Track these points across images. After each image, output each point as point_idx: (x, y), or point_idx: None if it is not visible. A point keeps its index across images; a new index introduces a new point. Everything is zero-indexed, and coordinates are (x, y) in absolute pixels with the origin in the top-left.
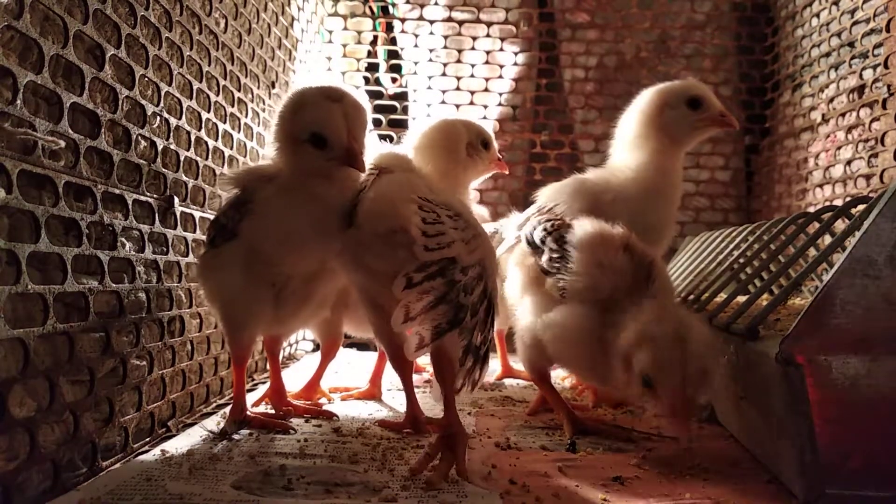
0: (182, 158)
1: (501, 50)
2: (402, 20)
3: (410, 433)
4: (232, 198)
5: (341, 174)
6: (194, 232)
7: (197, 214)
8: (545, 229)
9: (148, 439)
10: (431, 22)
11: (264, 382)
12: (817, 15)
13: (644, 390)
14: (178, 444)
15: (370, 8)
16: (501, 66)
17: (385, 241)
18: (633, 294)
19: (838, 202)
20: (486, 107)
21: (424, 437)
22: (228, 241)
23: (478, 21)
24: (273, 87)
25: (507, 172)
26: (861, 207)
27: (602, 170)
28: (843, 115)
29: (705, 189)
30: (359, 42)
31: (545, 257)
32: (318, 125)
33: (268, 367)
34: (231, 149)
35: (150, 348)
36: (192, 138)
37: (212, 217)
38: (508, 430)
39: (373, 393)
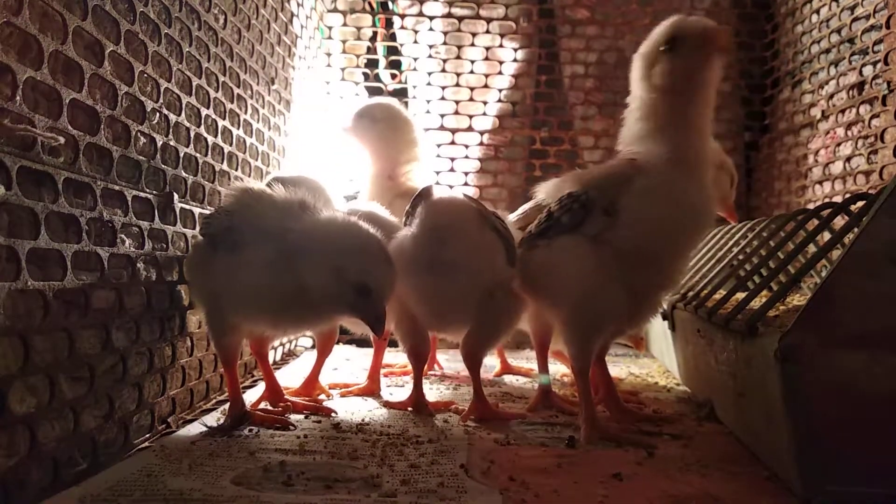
0: (181, 155)
1: (501, 46)
2: (402, 16)
3: (409, 430)
4: (224, 212)
5: None
6: (194, 228)
7: (196, 211)
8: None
9: (148, 435)
10: (431, 18)
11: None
12: (817, 11)
13: None
14: (178, 441)
15: (370, 4)
16: (501, 63)
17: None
18: None
19: (838, 199)
20: (485, 103)
21: (423, 427)
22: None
23: (477, 17)
24: (272, 83)
25: None
26: (860, 204)
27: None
28: (842, 111)
29: None
30: (358, 38)
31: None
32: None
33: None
34: (230, 145)
35: (149, 345)
36: (192, 134)
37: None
38: (508, 427)
39: (372, 389)
